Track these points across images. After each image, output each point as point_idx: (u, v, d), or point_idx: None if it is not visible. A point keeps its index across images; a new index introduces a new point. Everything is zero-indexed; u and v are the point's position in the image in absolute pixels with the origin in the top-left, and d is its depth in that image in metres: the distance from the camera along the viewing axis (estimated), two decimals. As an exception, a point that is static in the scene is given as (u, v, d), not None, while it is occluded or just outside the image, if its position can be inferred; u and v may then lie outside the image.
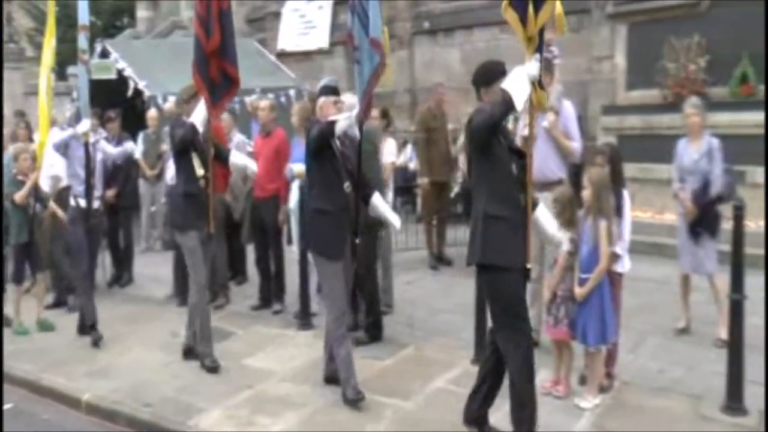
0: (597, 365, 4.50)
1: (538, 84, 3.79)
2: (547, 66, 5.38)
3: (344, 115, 4.60)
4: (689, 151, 5.70)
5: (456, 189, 8.49)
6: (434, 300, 6.90)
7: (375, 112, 7.17)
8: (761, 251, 7.09)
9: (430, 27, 12.63)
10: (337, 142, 4.72)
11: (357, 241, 4.76)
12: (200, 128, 5.27)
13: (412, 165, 9.95)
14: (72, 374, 5.41)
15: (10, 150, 7.19)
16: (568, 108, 5.57)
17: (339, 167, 4.69)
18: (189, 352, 5.53)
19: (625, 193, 4.73)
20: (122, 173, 8.04)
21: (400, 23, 12.65)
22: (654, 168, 8.45)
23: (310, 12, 14.63)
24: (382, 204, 4.98)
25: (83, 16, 6.13)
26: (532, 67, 3.71)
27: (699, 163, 5.63)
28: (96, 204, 6.31)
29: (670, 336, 5.69)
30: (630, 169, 8.82)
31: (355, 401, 4.54)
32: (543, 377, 4.63)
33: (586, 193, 4.45)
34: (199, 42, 5.11)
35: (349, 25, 4.85)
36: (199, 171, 5.34)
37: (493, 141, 3.78)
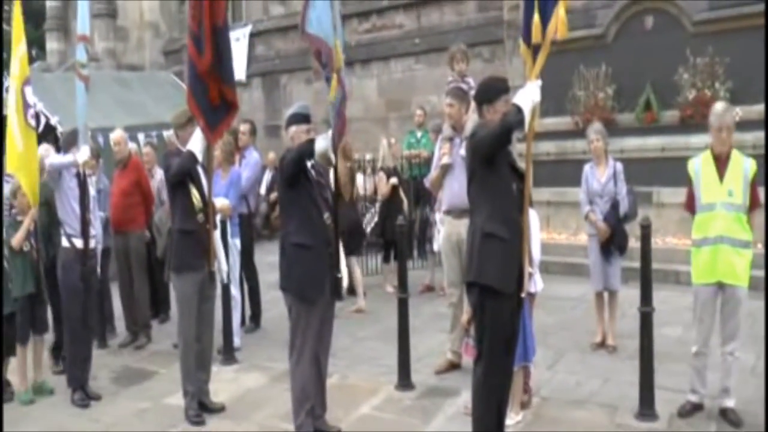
0: (518, 383, 4.60)
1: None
2: (461, 96, 5.58)
3: (321, 136, 4.33)
4: (596, 175, 5.97)
5: (374, 219, 8.33)
6: (356, 328, 6.92)
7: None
8: (667, 266, 7.49)
9: (347, 58, 12.89)
10: (313, 172, 4.40)
11: (339, 275, 4.47)
12: (199, 157, 4.88)
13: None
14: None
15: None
16: None
17: (316, 197, 4.35)
18: (204, 407, 5.04)
19: (533, 213, 4.87)
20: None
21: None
22: (568, 191, 8.77)
23: (227, 45, 14.64)
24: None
25: (83, 24, 5.34)
26: (536, 93, 3.69)
27: (607, 186, 5.91)
28: (92, 243, 5.53)
29: (587, 351, 5.91)
30: (545, 193, 9.22)
31: None
32: (466, 398, 4.71)
33: None
34: (192, 63, 4.70)
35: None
36: (198, 205, 4.91)
37: (499, 155, 3.74)
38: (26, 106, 5.53)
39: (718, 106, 4.67)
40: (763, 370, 5.19)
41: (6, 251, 5.51)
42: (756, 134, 8.07)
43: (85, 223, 5.43)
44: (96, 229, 5.71)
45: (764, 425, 4.28)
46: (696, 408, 4.57)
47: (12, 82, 5.58)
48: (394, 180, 8.46)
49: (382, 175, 8.67)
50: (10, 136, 5.52)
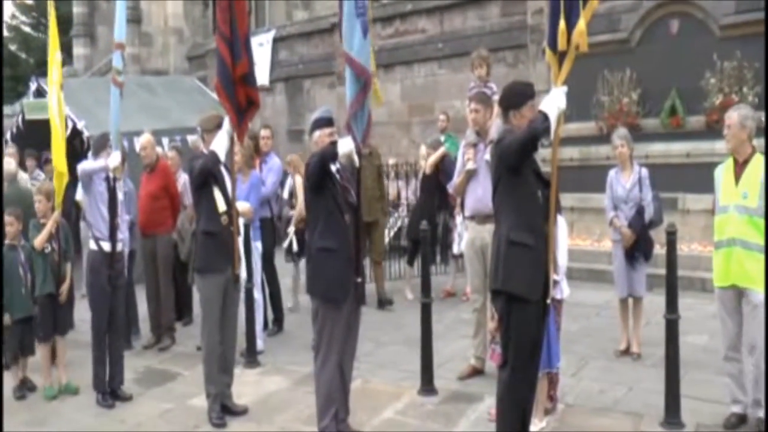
0: (542, 390, 4.58)
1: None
2: (486, 101, 5.57)
3: (345, 138, 4.36)
4: (621, 181, 5.93)
5: (397, 223, 8.33)
6: (379, 333, 6.91)
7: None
8: (692, 273, 7.43)
9: (370, 63, 12.93)
10: (338, 176, 4.41)
11: (359, 280, 4.43)
12: (222, 158, 4.91)
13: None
14: (8, 424, 5.21)
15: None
16: None
17: (340, 200, 4.36)
18: (226, 410, 5.07)
19: (561, 219, 4.84)
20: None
21: (339, 60, 12.87)
22: (592, 197, 8.71)
23: (251, 49, 14.78)
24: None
25: (120, 31, 5.48)
26: (561, 99, 3.61)
27: (632, 192, 5.86)
28: (119, 246, 5.62)
29: (611, 358, 5.85)
30: (569, 199, 9.16)
31: None
32: (489, 404, 4.69)
33: None
34: (224, 62, 4.79)
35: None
36: (222, 206, 4.93)
37: (525, 162, 3.72)
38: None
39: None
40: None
41: (23, 255, 5.76)
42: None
43: (113, 227, 5.50)
44: (123, 233, 5.80)
45: (765, 426, 4.23)
46: (741, 420, 4.45)
47: (52, 87, 5.78)
48: (441, 149, 8.20)
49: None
50: (56, 139, 5.70)
